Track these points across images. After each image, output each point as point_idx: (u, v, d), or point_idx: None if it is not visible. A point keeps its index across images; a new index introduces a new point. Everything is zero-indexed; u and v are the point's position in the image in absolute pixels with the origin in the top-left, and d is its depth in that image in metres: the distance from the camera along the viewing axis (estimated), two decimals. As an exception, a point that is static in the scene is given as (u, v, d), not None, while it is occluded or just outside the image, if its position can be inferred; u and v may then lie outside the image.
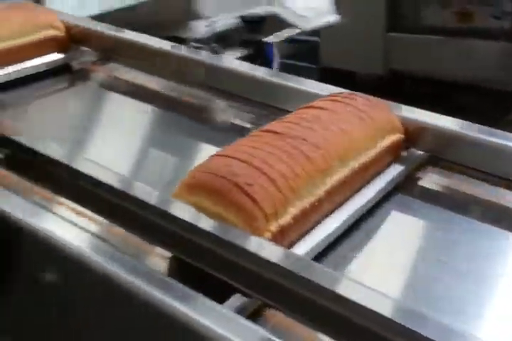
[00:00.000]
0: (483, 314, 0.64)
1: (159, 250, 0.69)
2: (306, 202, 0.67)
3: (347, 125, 0.76)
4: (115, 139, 0.98)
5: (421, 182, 0.83)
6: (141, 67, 1.16)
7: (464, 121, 0.85)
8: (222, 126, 1.01)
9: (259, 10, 2.06)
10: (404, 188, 0.81)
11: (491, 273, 0.69)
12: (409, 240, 0.74)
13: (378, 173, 0.79)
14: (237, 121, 1.01)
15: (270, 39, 2.03)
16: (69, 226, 0.70)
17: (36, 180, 0.80)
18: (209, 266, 0.64)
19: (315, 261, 0.63)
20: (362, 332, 0.54)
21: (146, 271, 0.62)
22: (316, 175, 0.69)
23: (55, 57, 1.18)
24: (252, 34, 2.06)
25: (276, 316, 0.61)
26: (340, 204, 0.73)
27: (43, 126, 0.99)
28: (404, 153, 0.84)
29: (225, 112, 1.04)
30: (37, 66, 1.15)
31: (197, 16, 1.94)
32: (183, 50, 1.12)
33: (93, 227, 0.73)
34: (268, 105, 1.00)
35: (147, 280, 0.60)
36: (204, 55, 1.12)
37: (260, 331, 0.56)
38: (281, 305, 0.61)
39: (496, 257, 0.72)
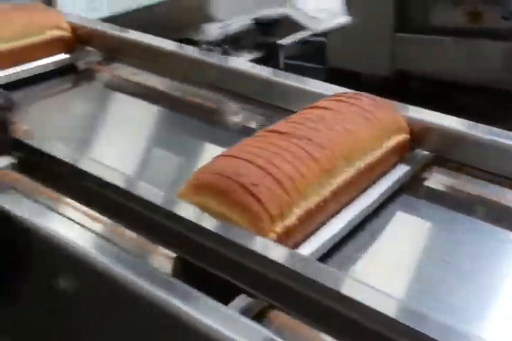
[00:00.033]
0: (487, 314, 0.64)
1: (164, 250, 0.69)
2: (311, 203, 0.67)
3: (352, 125, 0.76)
4: (120, 139, 0.98)
5: (426, 183, 0.83)
6: (146, 67, 1.16)
7: (470, 122, 0.85)
8: (227, 127, 1.01)
9: (271, 12, 2.06)
10: (409, 188, 0.81)
11: (495, 273, 0.68)
12: (414, 241, 0.74)
13: (384, 173, 0.79)
14: (242, 122, 1.01)
15: (283, 41, 2.03)
16: (73, 226, 0.70)
17: (42, 180, 0.80)
18: (214, 267, 0.63)
19: (320, 262, 0.63)
20: (366, 332, 0.54)
21: (150, 271, 0.63)
22: (321, 175, 0.69)
23: (61, 57, 1.19)
24: (264, 36, 2.06)
25: (280, 317, 0.61)
26: (345, 205, 0.73)
27: (48, 125, 0.99)
28: (409, 154, 0.84)
29: (229, 112, 1.04)
30: (44, 65, 1.16)
31: (210, 19, 1.94)
32: (189, 51, 1.12)
33: (97, 227, 0.73)
34: (272, 105, 1.00)
35: (152, 281, 0.60)
36: (205, 55, 1.11)
37: (265, 332, 0.56)
38: (286, 305, 0.60)
39: (500, 257, 0.71)
